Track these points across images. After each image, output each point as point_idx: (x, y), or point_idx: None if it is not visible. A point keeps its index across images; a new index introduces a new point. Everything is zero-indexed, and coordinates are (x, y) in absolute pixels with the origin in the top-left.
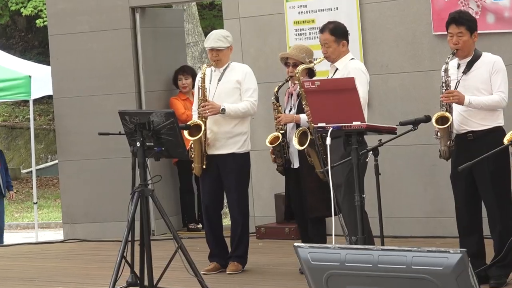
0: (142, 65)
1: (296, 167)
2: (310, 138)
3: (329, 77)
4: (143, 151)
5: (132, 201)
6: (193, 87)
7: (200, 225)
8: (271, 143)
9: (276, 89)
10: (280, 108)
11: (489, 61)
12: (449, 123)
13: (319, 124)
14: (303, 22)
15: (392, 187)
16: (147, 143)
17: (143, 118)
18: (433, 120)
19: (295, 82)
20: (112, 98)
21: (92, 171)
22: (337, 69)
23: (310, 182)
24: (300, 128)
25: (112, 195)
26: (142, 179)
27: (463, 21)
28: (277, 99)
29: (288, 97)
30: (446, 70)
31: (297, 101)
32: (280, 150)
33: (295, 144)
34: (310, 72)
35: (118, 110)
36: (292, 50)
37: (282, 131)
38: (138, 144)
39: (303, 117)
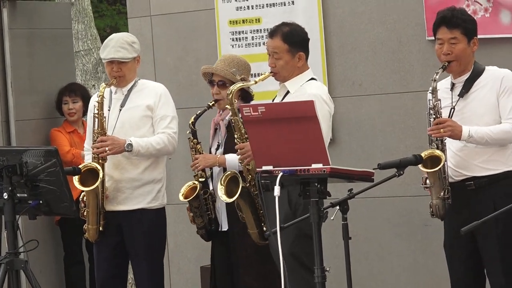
0: (12, 83)
1: (225, 229)
2: (242, 186)
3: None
4: (13, 205)
5: None
6: (84, 114)
7: None
8: (186, 196)
9: (192, 119)
10: (199, 146)
11: (495, 77)
12: (440, 165)
13: (264, 168)
14: (243, 22)
15: (368, 257)
16: (18, 194)
17: (13, 159)
18: None
19: (226, 107)
20: None
21: None
22: (288, 91)
23: (243, 249)
24: (228, 172)
25: None
26: (11, 245)
27: (458, 22)
28: (193, 133)
29: (215, 130)
30: (434, 91)
31: (226, 136)
32: (200, 206)
33: (220, 195)
34: (244, 95)
35: None
36: (218, 63)
37: (203, 179)
38: (5, 195)
39: (230, 158)
